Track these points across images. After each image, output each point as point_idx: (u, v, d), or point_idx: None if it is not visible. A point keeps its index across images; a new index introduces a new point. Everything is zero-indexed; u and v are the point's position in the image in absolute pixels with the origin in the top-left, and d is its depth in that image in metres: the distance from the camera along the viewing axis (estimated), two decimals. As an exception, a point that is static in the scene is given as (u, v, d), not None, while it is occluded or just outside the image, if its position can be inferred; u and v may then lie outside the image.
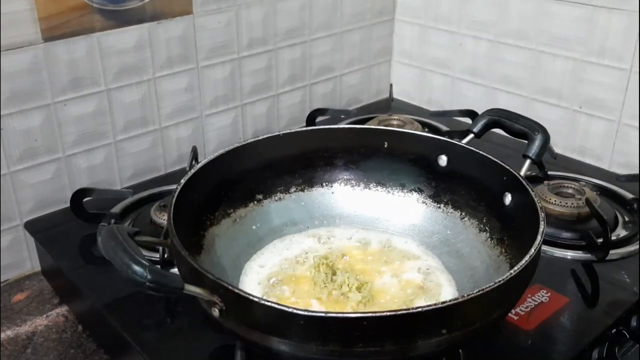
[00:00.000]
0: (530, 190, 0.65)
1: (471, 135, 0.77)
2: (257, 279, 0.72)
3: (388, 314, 0.50)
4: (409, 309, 0.50)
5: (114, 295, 0.78)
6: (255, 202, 0.80)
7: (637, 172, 1.02)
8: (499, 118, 0.75)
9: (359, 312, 0.50)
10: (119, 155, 1.04)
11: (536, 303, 0.77)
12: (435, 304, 0.50)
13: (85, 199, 0.95)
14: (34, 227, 0.95)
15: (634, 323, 0.78)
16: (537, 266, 0.61)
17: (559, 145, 1.14)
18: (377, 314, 0.50)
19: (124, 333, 0.72)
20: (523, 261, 0.55)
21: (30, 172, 0.94)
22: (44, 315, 0.88)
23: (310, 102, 1.27)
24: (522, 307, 0.76)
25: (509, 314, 0.75)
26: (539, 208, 0.62)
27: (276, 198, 0.81)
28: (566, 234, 0.88)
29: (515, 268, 0.54)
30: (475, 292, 0.52)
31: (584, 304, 0.78)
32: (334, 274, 0.70)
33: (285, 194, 0.81)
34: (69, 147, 0.97)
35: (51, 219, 0.96)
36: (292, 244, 0.78)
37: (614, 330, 0.75)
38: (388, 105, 1.37)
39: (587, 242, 0.85)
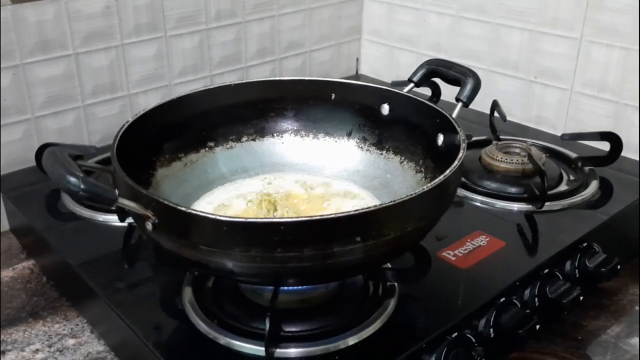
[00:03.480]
0: (457, 127, 0.69)
1: (411, 85, 0.82)
2: (202, 213, 0.75)
3: (304, 219, 0.54)
4: (322, 215, 0.54)
5: (79, 247, 0.82)
6: (207, 148, 0.83)
7: (580, 131, 1.06)
8: (436, 67, 0.80)
9: (278, 218, 0.54)
10: (88, 119, 1.07)
11: (474, 246, 0.81)
12: (348, 212, 0.54)
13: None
14: (3, 185, 0.97)
15: (568, 267, 0.82)
16: (456, 189, 0.65)
17: (516, 116, 1.18)
18: (294, 220, 0.54)
19: (87, 279, 0.76)
20: (437, 180, 0.59)
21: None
22: (10, 268, 0.92)
23: (281, 76, 1.31)
24: (461, 249, 0.80)
25: (447, 255, 0.78)
26: (462, 140, 0.66)
27: (227, 146, 0.84)
28: (511, 189, 0.92)
29: (429, 185, 0.58)
30: (387, 202, 0.56)
31: (520, 248, 0.82)
32: (275, 209, 0.74)
33: (237, 142, 0.85)
34: (38, 109, 1.01)
35: (20, 178, 0.99)
36: (241, 186, 0.81)
37: (547, 270, 0.78)
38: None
39: (528, 194, 0.89)
